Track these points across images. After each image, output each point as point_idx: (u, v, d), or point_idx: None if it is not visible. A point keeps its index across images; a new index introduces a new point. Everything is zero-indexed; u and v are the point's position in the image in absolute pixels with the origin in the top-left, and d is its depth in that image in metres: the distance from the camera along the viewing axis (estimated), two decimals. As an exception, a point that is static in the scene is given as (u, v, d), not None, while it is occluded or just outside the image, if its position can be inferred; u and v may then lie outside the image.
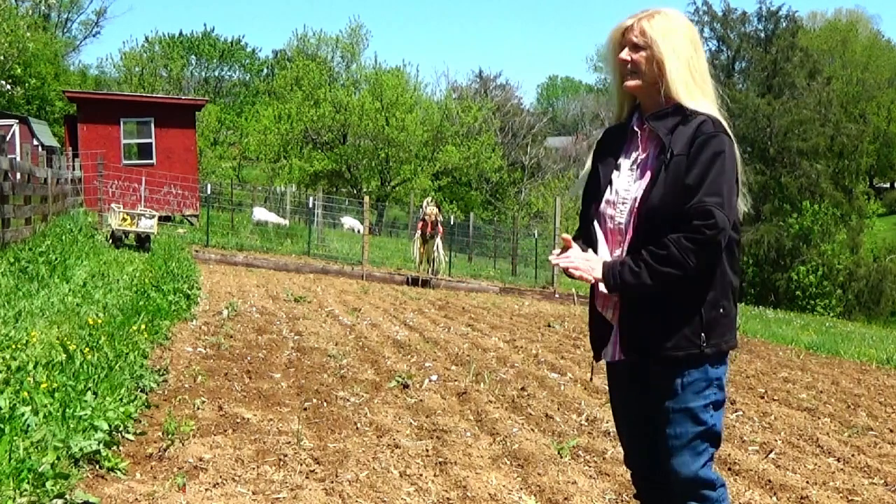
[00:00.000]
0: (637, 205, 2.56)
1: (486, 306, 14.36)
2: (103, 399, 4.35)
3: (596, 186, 2.68)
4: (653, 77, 2.59)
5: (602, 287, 2.57)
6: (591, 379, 3.38)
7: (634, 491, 2.93)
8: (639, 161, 2.63)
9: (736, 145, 2.58)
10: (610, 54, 2.71)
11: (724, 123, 2.57)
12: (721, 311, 2.56)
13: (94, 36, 66.52)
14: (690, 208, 2.44)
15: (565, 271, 2.59)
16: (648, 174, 2.57)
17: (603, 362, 2.77)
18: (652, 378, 2.63)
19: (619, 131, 2.72)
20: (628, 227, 2.58)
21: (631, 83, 2.62)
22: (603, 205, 2.65)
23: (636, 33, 2.60)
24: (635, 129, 2.67)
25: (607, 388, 2.90)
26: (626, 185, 2.62)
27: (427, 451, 4.64)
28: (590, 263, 2.55)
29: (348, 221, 30.21)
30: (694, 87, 2.59)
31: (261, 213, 26.09)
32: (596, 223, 2.66)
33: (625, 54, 2.61)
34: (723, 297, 2.57)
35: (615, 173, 2.66)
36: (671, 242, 2.45)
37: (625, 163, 2.66)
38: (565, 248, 2.61)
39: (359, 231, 19.54)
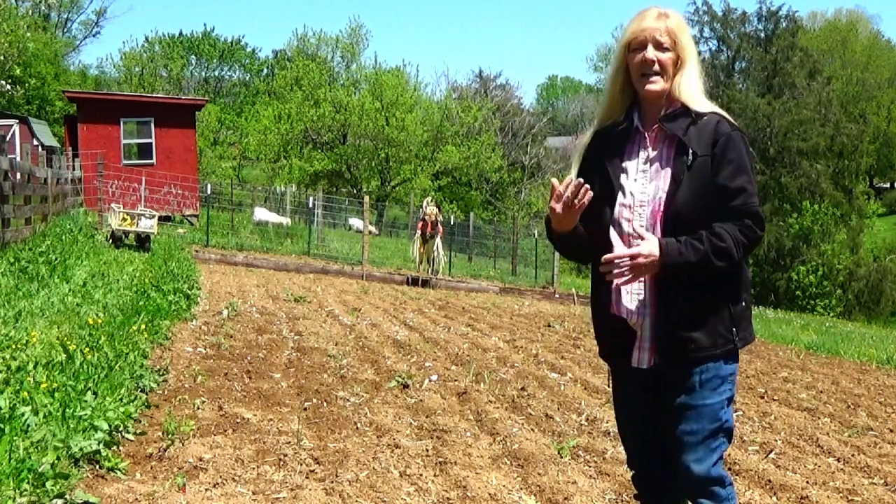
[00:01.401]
0: (662, 208, 2.52)
1: (486, 306, 14.36)
2: (103, 399, 4.35)
3: (606, 190, 2.60)
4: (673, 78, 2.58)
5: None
6: (608, 386, 3.33)
7: (635, 491, 2.93)
8: (650, 162, 2.59)
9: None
10: (622, 53, 2.62)
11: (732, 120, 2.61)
12: (743, 304, 2.60)
13: (94, 36, 66.66)
14: (738, 209, 2.46)
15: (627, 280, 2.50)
16: (668, 176, 2.53)
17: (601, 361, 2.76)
18: (666, 376, 2.60)
19: (618, 133, 2.65)
20: (653, 231, 2.52)
21: (655, 87, 2.56)
22: (618, 209, 2.59)
23: (660, 33, 2.54)
24: (640, 130, 2.63)
25: (610, 388, 2.90)
26: (642, 187, 2.57)
27: (427, 451, 4.64)
28: (646, 260, 2.45)
29: (355, 223, 30.08)
30: (700, 88, 2.61)
31: (262, 214, 26.08)
32: (612, 228, 2.61)
33: (651, 54, 2.54)
34: (745, 290, 2.60)
35: (623, 176, 2.61)
36: (729, 235, 2.45)
37: (631, 165, 2.61)
38: (558, 197, 2.50)
39: (368, 231, 19.54)
